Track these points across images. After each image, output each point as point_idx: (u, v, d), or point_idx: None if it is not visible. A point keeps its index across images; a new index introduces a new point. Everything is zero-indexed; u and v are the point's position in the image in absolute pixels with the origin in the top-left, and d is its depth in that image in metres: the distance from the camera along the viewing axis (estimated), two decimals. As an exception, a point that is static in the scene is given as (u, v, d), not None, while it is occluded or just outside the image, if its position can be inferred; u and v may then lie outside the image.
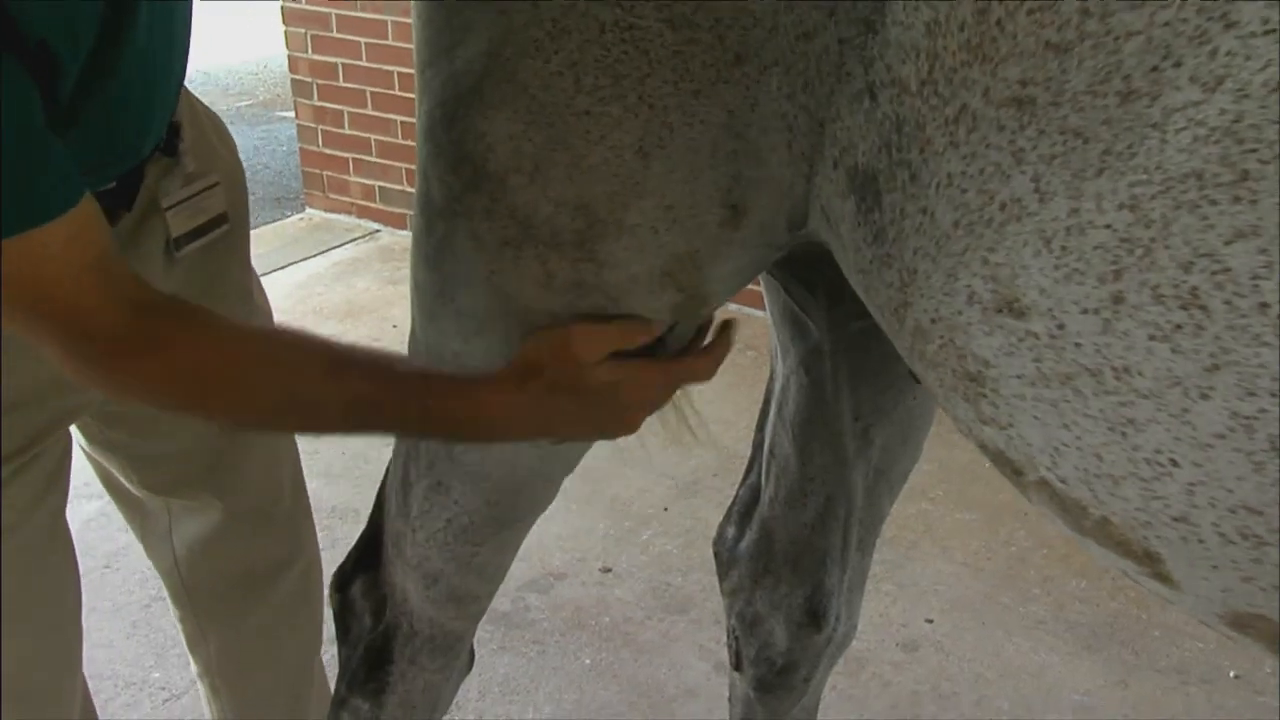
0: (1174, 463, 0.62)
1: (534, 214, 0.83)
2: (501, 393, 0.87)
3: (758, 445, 1.31)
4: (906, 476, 1.28)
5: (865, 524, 1.27)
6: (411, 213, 0.98)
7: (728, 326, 0.96)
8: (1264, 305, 0.55)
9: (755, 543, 1.32)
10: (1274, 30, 0.53)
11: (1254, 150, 0.54)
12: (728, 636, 1.41)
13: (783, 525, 1.27)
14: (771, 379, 1.26)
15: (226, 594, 1.28)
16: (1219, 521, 0.62)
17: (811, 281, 1.09)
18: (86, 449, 1.18)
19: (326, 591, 1.24)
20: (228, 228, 1.08)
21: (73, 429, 1.11)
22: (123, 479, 1.21)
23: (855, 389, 1.15)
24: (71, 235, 0.75)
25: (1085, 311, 0.63)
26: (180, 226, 1.03)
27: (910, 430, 1.21)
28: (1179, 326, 0.58)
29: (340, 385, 0.83)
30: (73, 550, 1.10)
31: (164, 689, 1.91)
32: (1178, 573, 0.68)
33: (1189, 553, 0.65)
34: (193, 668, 1.38)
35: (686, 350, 0.93)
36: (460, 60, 0.83)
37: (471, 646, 1.27)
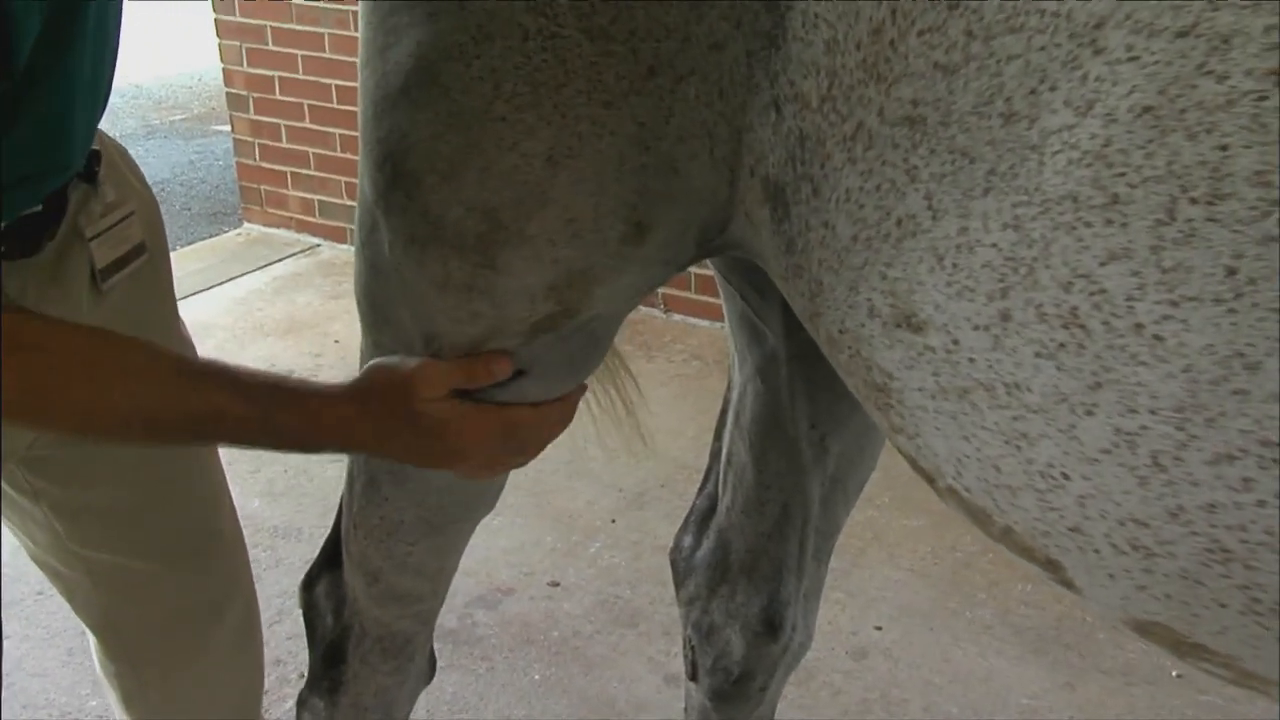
0: (1065, 476, 0.63)
1: (444, 215, 0.85)
2: (340, 409, 0.89)
3: (715, 454, 1.32)
4: (863, 486, 1.28)
5: (822, 533, 1.27)
6: (351, 226, 1.02)
7: (580, 389, 0.99)
8: (1139, 326, 0.56)
9: (712, 551, 1.32)
10: (1137, 57, 0.54)
11: (1123, 174, 0.55)
12: (684, 646, 1.40)
13: (740, 534, 1.27)
14: (729, 387, 1.26)
15: (166, 641, 1.22)
16: (1110, 532, 0.63)
17: (766, 288, 1.10)
18: (9, 505, 1.12)
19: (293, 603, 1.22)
20: (147, 257, 1.07)
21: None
22: (43, 542, 1.15)
23: (811, 397, 1.15)
24: None
25: (976, 328, 0.64)
26: (105, 257, 1.01)
27: (866, 439, 1.21)
28: (1062, 345, 0.59)
29: (186, 394, 0.84)
30: None
31: (101, 718, 1.88)
32: (1079, 580, 0.70)
33: (1086, 562, 0.67)
34: None
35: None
36: (391, 61, 0.85)
37: (432, 654, 1.27)
